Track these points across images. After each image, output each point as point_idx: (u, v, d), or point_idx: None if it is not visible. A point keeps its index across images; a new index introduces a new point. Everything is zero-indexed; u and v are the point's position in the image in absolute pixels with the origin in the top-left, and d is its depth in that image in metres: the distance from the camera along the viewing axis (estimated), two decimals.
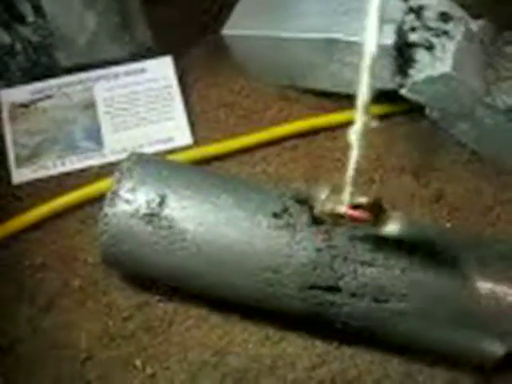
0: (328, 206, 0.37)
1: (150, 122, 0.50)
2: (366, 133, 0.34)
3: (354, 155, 0.34)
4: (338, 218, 0.37)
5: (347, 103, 0.50)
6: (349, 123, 0.50)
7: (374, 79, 0.46)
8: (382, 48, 0.43)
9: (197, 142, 0.50)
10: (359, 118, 0.34)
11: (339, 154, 0.50)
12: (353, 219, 0.36)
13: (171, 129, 0.50)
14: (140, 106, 0.50)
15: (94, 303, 0.44)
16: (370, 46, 0.32)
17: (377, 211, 0.36)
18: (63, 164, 0.48)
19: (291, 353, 0.43)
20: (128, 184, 0.40)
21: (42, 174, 0.48)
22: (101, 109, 0.50)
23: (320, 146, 0.50)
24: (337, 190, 0.37)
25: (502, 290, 0.38)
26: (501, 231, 0.47)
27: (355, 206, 0.36)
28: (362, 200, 0.35)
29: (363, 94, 0.33)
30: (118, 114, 0.50)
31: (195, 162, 0.48)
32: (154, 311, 0.44)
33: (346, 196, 0.36)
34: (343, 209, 0.36)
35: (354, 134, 0.34)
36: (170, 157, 0.48)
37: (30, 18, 0.46)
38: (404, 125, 0.51)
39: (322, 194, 0.38)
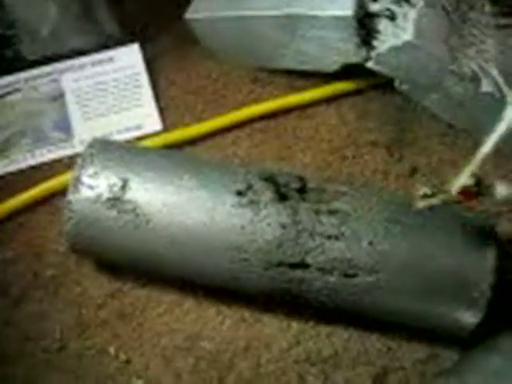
0: (436, 200, 0.36)
1: (119, 110, 0.49)
2: None
3: (496, 135, 0.32)
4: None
5: (317, 80, 0.50)
6: (319, 101, 0.50)
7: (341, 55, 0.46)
8: (342, 20, 0.43)
9: (167, 128, 0.49)
10: None
11: (311, 132, 0.49)
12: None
13: (140, 116, 0.49)
14: (109, 95, 0.50)
15: (67, 293, 0.44)
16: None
17: (480, 185, 0.35)
18: (33, 156, 0.48)
19: (266, 334, 0.43)
20: (90, 170, 0.40)
21: (12, 167, 0.48)
22: (69, 99, 0.49)
23: (291, 125, 0.49)
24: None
25: None
26: (477, 203, 0.46)
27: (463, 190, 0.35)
28: (470, 182, 0.34)
29: None
30: (86, 103, 0.49)
31: (165, 147, 0.48)
32: (127, 298, 0.44)
33: (462, 180, 0.34)
34: (455, 196, 0.35)
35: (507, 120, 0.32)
36: (140, 143, 0.48)
37: None
38: (376, 99, 0.50)
39: (423, 189, 0.37)
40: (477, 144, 0.47)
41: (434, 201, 0.36)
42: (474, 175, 0.34)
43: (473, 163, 0.34)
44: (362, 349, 0.42)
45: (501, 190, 0.34)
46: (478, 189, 0.34)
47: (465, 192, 0.34)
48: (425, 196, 0.36)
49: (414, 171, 0.47)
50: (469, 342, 0.40)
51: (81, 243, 0.41)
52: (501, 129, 0.32)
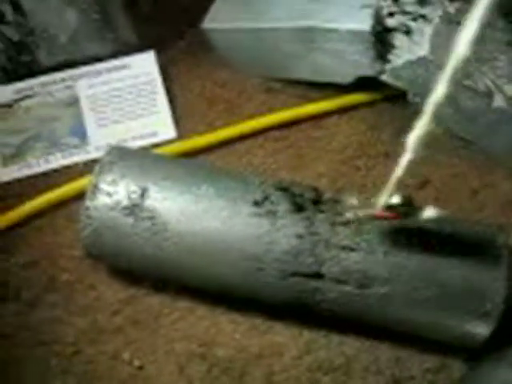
0: (361, 212, 0.37)
1: (133, 117, 0.50)
2: (426, 141, 0.33)
3: (405, 159, 0.33)
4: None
5: (330, 91, 0.51)
6: (332, 112, 0.51)
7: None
8: (359, 34, 0.44)
9: (181, 136, 0.50)
10: (423, 124, 0.33)
11: (324, 143, 0.50)
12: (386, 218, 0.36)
13: (155, 123, 0.50)
14: (124, 102, 0.50)
15: (82, 298, 0.44)
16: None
17: (408, 206, 0.36)
18: (48, 161, 0.48)
19: (278, 342, 0.43)
20: (108, 177, 0.40)
21: (27, 172, 0.48)
22: (84, 105, 0.50)
23: (304, 135, 0.50)
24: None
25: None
26: (488, 215, 0.47)
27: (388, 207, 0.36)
28: (396, 200, 0.35)
29: (436, 98, 0.32)
30: (101, 110, 0.50)
31: (180, 155, 0.48)
32: (141, 304, 0.44)
33: (383, 198, 0.35)
34: (378, 212, 0.36)
35: (413, 139, 0.33)
36: (155, 151, 0.48)
37: (10, 17, 0.46)
38: (388, 111, 0.51)
39: (351, 199, 0.38)
40: (488, 157, 0.48)
41: (360, 213, 0.37)
42: (407, 196, 0.35)
43: (389, 184, 0.35)
44: (373, 358, 0.43)
45: (428, 214, 0.35)
46: (406, 209, 0.35)
47: (391, 210, 0.35)
48: (352, 207, 0.38)
49: (425, 183, 0.48)
50: (479, 353, 0.41)
51: (97, 249, 0.41)
52: (405, 159, 0.33)
